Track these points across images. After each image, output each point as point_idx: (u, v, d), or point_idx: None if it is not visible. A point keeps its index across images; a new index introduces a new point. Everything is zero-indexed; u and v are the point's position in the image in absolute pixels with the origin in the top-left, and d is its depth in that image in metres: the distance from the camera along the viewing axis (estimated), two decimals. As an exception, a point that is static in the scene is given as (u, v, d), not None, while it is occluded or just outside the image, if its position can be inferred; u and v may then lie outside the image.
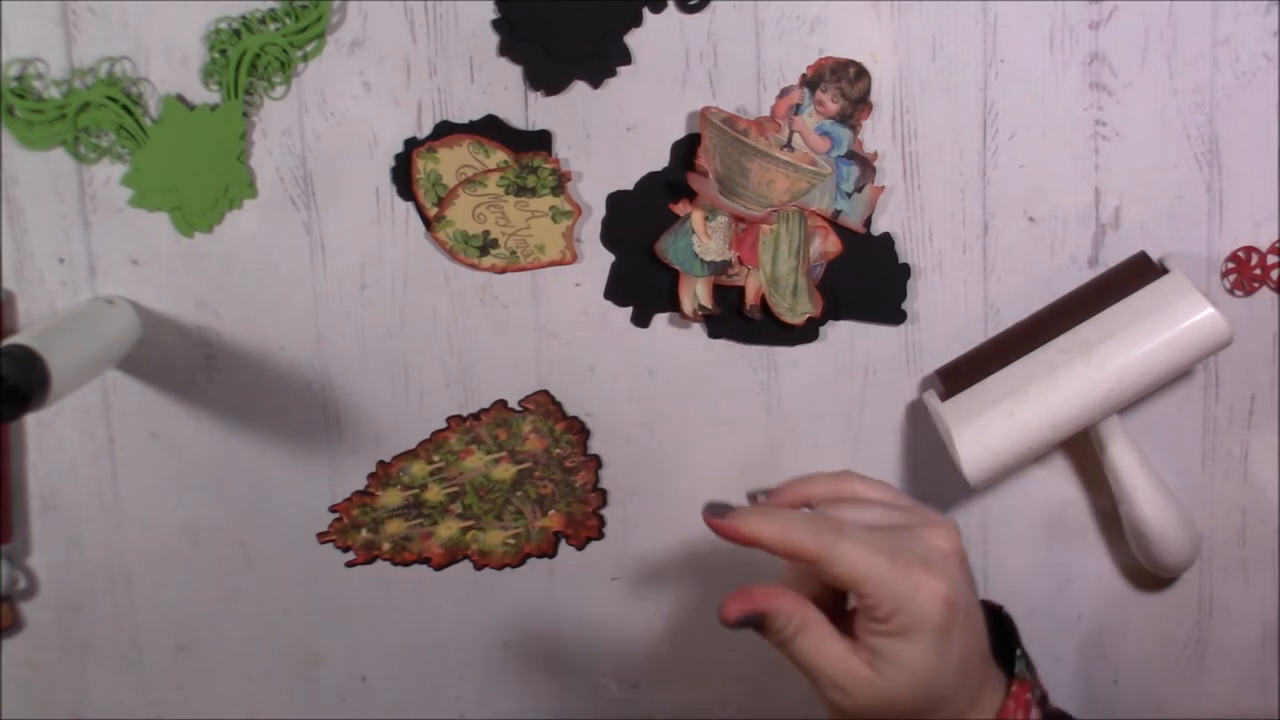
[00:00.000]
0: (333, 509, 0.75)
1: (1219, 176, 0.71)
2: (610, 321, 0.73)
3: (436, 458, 0.74)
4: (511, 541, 0.75)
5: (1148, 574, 0.74)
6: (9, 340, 0.62)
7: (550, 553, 0.75)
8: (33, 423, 0.74)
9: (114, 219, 0.72)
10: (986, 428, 0.68)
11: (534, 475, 0.74)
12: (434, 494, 0.74)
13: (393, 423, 0.74)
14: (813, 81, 0.70)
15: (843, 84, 0.70)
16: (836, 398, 0.74)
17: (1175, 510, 0.70)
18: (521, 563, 0.76)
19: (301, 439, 0.74)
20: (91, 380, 0.71)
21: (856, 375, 0.73)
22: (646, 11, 0.69)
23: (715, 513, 0.58)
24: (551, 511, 0.75)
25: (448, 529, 0.75)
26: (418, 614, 0.76)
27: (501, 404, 0.74)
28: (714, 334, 0.73)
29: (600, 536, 0.75)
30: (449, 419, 0.74)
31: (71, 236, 0.72)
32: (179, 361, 0.73)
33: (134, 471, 0.75)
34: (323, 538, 0.75)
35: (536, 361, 0.73)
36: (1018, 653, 0.61)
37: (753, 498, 0.63)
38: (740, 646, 0.77)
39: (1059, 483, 0.74)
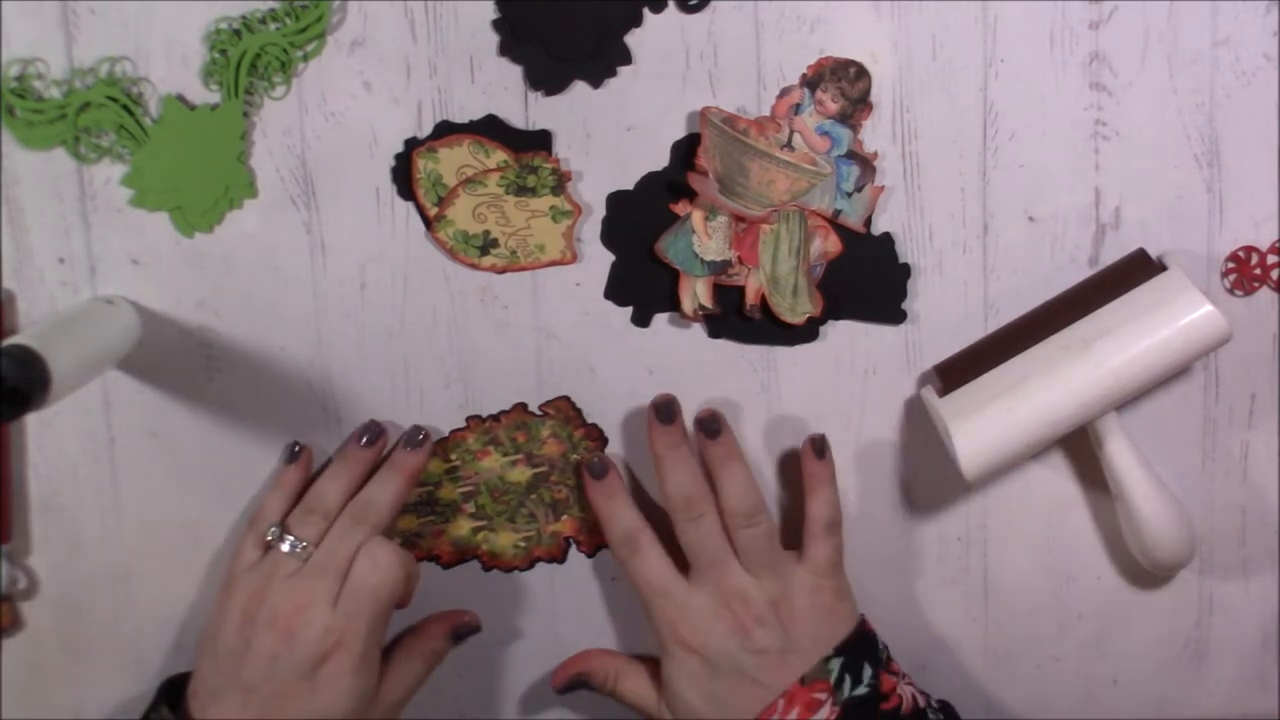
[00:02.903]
0: None
1: (1219, 176, 0.71)
2: (610, 321, 0.73)
3: (453, 456, 0.74)
4: (522, 544, 0.75)
5: (1148, 574, 0.74)
6: (9, 340, 0.62)
7: (560, 558, 0.75)
8: (33, 423, 0.74)
9: (114, 219, 0.72)
10: (984, 424, 0.68)
11: (549, 479, 0.74)
12: (448, 492, 0.74)
13: (392, 423, 0.74)
14: (813, 81, 0.70)
15: (843, 84, 0.70)
16: (836, 398, 0.74)
17: (1172, 508, 0.70)
18: (530, 566, 0.75)
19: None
20: (91, 380, 0.71)
21: (856, 375, 0.73)
22: (646, 11, 0.69)
23: (594, 470, 0.72)
24: (564, 516, 0.75)
25: (459, 528, 0.75)
26: (418, 614, 0.76)
27: (521, 407, 0.74)
28: (714, 334, 0.73)
29: None
30: (468, 419, 0.74)
31: (71, 236, 0.72)
32: (179, 361, 0.73)
33: (134, 471, 0.75)
34: None
35: (536, 361, 0.74)
36: (826, 656, 0.67)
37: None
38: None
39: (1059, 482, 0.74)
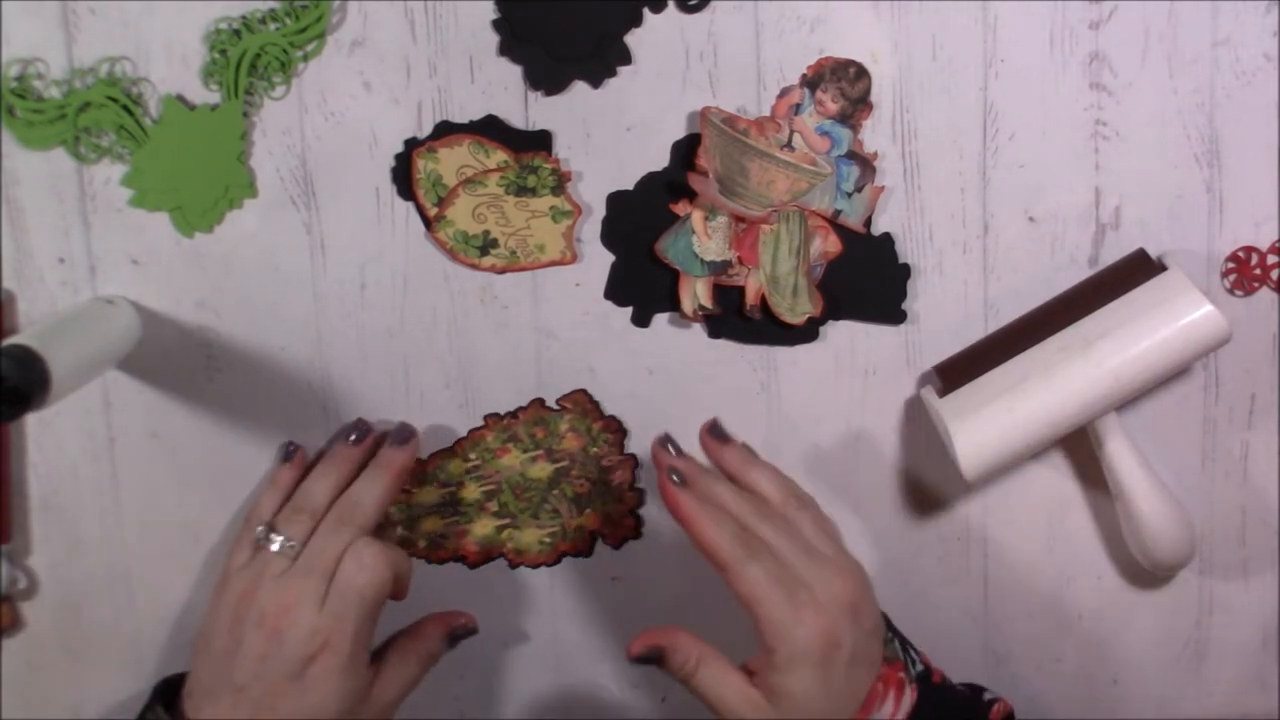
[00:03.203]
0: None
1: (1219, 176, 0.71)
2: (610, 321, 0.73)
3: (473, 455, 0.74)
4: (547, 540, 0.75)
5: (1148, 574, 0.74)
6: (9, 340, 0.62)
7: (586, 552, 0.75)
8: (33, 423, 0.74)
9: (114, 219, 0.72)
10: (984, 424, 0.68)
11: (570, 474, 0.74)
12: (470, 492, 0.74)
13: (389, 421, 0.74)
14: (813, 81, 0.70)
15: (843, 84, 0.70)
16: (836, 398, 0.74)
17: (1171, 507, 0.70)
18: (557, 561, 0.75)
19: (301, 439, 0.74)
20: (91, 380, 0.71)
21: (856, 375, 0.73)
22: (646, 11, 0.69)
23: (675, 478, 0.65)
24: (588, 510, 0.75)
25: (483, 527, 0.75)
26: (417, 614, 0.76)
27: (539, 402, 0.74)
28: (714, 334, 0.73)
29: (637, 536, 0.75)
30: (486, 417, 0.74)
31: (71, 236, 0.72)
32: (179, 361, 0.73)
33: (134, 471, 0.75)
34: None
35: (536, 361, 0.74)
36: (887, 636, 0.65)
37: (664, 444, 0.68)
38: (740, 647, 0.77)
39: (1059, 482, 0.74)
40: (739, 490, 0.67)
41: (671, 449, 0.68)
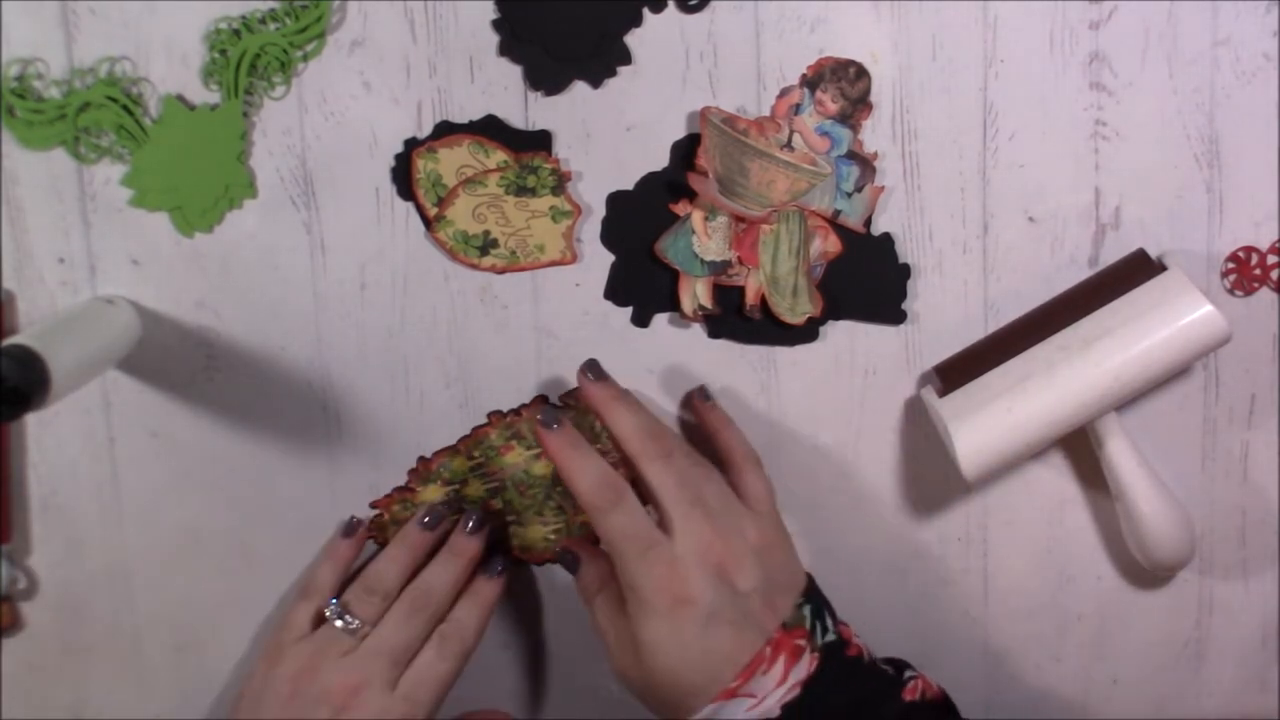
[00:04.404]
0: (373, 505, 0.75)
1: (1219, 176, 0.71)
2: (610, 321, 0.73)
3: (477, 453, 0.74)
4: (552, 537, 0.75)
5: (1148, 574, 0.75)
6: (9, 340, 0.62)
7: None
8: (33, 423, 0.74)
9: (114, 219, 0.72)
10: (984, 424, 0.68)
11: None
12: (474, 489, 0.74)
13: (392, 423, 0.74)
14: (813, 81, 0.70)
15: (843, 84, 0.70)
16: (836, 398, 0.74)
17: (1171, 507, 0.70)
18: None
19: (301, 439, 0.74)
20: (91, 380, 0.71)
21: (856, 375, 0.73)
22: (646, 11, 0.69)
23: (546, 419, 0.66)
24: None
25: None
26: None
27: (542, 399, 0.74)
28: (714, 334, 0.73)
29: None
30: (490, 414, 0.74)
31: (71, 236, 0.72)
32: (179, 361, 0.73)
33: (134, 471, 0.75)
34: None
35: (536, 361, 0.74)
36: (798, 601, 0.65)
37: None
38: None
39: (1059, 482, 0.74)
40: (635, 429, 0.67)
41: (590, 375, 0.69)
